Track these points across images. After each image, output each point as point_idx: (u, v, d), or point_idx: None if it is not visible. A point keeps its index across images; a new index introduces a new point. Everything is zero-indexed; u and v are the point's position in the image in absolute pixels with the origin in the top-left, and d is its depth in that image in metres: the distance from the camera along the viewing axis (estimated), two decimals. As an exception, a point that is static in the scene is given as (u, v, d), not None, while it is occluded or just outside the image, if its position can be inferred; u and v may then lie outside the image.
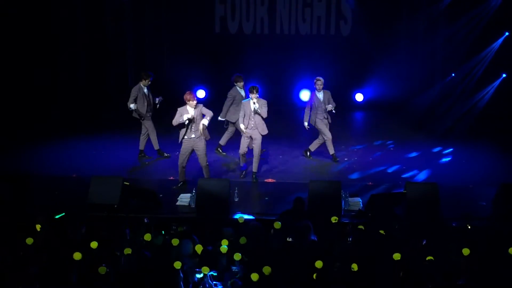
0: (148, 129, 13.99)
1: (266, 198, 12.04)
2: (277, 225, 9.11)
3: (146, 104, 13.71)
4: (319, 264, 7.86)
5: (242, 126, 12.68)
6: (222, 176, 12.99)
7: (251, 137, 12.78)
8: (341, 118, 15.04)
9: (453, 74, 17.87)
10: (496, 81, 17.22)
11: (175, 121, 11.98)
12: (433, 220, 9.83)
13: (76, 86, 17.27)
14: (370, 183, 13.06)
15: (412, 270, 8.04)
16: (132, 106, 13.63)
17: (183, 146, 12.18)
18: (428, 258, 8.21)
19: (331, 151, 13.95)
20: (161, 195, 11.74)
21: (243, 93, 13.72)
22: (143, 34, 18.58)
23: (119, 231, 9.12)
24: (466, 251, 8.38)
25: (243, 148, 12.82)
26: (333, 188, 11.12)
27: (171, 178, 13.05)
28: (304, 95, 18.25)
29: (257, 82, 17.20)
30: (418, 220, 10.06)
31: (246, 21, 18.79)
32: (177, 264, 7.88)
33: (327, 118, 13.75)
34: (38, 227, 9.11)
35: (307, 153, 14.25)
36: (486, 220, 10.68)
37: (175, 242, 8.57)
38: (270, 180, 13.08)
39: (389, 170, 13.78)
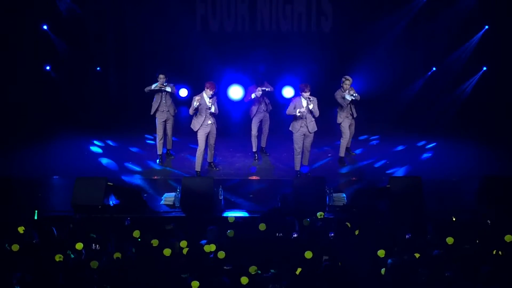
0: (157, 127, 13.59)
1: (251, 196, 12.03)
2: (262, 226, 9.08)
3: (159, 100, 13.42)
4: (308, 254, 7.88)
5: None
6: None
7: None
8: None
9: (434, 68, 17.93)
10: (477, 75, 17.30)
11: (191, 110, 12.53)
12: (417, 214, 9.86)
13: (57, 87, 17.12)
14: (354, 178, 13.10)
15: (396, 264, 8.08)
16: (146, 89, 13.48)
17: (201, 133, 12.66)
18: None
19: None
20: (145, 195, 11.71)
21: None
22: (125, 34, 18.43)
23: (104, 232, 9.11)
24: (450, 240, 8.44)
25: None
26: (318, 184, 11.14)
27: (155, 177, 13.05)
28: (287, 92, 18.14)
29: (239, 80, 17.21)
30: (402, 214, 10.09)
31: (227, 19, 18.72)
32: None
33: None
34: (21, 229, 9.06)
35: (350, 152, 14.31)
36: (470, 213, 10.74)
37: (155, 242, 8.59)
38: (254, 177, 13.08)
39: (373, 165, 13.81)
